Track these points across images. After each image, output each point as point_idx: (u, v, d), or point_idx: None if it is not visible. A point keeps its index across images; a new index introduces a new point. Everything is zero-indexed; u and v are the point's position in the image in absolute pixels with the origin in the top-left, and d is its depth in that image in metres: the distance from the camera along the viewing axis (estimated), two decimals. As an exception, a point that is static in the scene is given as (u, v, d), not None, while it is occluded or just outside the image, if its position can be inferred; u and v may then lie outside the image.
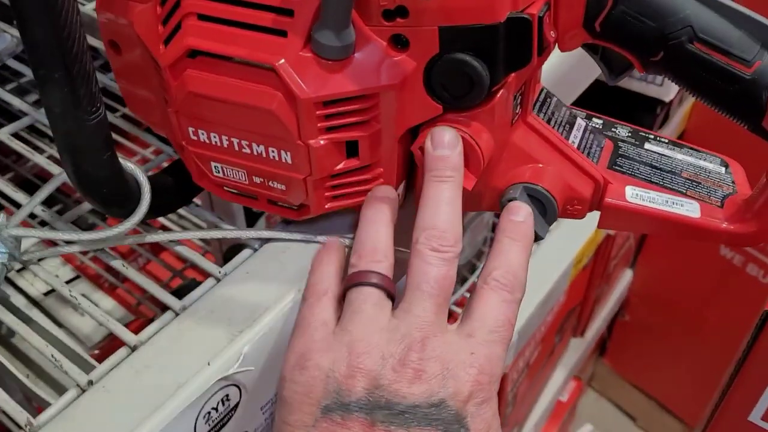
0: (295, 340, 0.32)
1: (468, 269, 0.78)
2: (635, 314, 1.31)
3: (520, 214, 0.36)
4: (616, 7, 0.32)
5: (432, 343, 0.29)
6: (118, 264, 0.38)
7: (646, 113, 0.95)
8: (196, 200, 0.43)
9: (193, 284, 0.50)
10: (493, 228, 0.78)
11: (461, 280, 0.76)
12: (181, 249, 0.40)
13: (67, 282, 0.66)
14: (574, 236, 0.86)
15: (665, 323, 1.25)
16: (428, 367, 0.29)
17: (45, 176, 0.73)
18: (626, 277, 1.27)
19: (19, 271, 0.67)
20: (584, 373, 1.32)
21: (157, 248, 0.82)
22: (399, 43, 0.32)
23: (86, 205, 0.42)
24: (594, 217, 0.40)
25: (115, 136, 0.51)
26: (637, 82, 0.92)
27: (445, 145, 0.34)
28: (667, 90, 0.91)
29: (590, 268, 1.02)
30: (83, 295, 0.36)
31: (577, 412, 1.28)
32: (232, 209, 0.64)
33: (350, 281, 0.33)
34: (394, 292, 0.32)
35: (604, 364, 1.39)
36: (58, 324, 0.59)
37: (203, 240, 0.81)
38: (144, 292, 0.78)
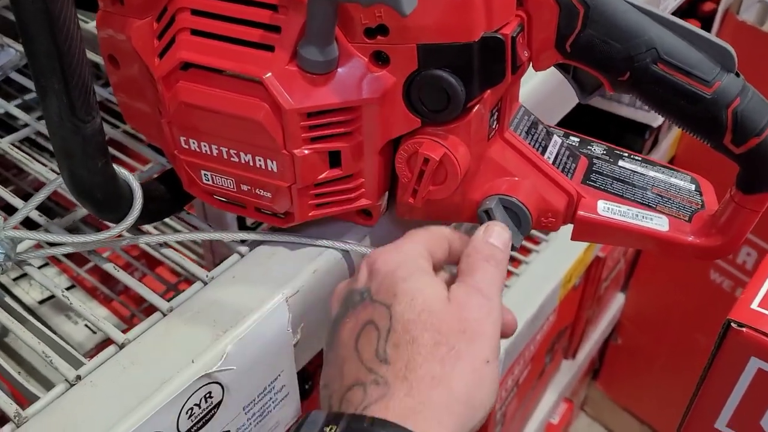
0: None
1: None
2: (627, 338, 1.31)
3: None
4: (585, 30, 0.34)
5: None
6: (109, 267, 0.40)
7: (635, 138, 0.97)
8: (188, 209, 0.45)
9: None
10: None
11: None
12: (172, 254, 0.42)
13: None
14: (564, 256, 0.87)
15: (657, 348, 1.25)
16: None
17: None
18: (618, 300, 1.28)
19: (15, 279, 0.68)
20: (577, 396, 1.32)
21: (153, 263, 0.84)
22: (380, 59, 0.34)
23: (80, 212, 0.44)
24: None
25: (119, 150, 0.52)
26: (626, 108, 0.93)
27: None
28: (655, 115, 0.92)
29: (581, 288, 1.03)
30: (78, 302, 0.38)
31: (570, 437, 1.28)
32: (226, 222, 0.65)
33: None
34: None
35: (596, 389, 1.39)
36: (52, 331, 0.60)
37: (197, 253, 0.83)
38: (138, 305, 0.80)
